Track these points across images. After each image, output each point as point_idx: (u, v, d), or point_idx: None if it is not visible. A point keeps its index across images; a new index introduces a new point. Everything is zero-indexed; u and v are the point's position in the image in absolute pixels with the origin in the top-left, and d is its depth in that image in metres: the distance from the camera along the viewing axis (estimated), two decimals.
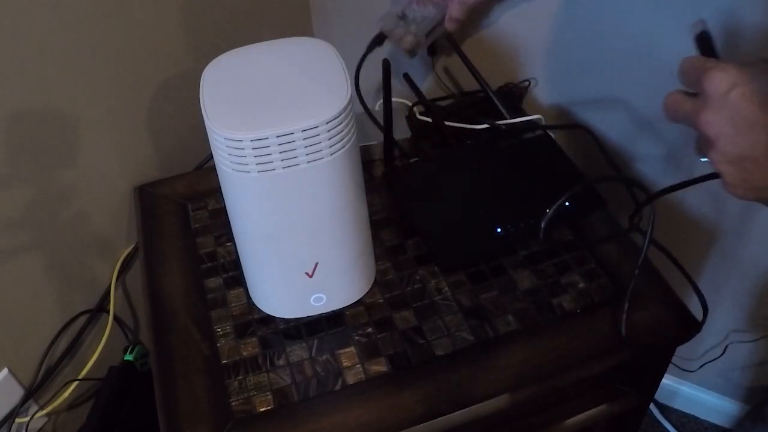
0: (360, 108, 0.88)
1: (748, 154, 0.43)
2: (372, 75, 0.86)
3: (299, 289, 0.67)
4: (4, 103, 0.75)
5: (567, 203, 0.75)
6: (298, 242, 0.62)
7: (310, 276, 0.65)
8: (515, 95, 0.94)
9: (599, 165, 0.82)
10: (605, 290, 0.72)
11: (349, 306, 0.71)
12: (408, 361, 0.67)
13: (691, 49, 0.52)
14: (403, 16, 0.85)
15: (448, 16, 0.83)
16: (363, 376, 0.66)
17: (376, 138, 0.86)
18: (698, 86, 0.46)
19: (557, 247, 0.76)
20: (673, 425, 1.28)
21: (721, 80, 0.43)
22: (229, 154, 0.55)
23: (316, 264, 0.65)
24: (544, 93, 0.96)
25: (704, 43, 0.51)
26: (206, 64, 0.61)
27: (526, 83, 0.95)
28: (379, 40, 0.89)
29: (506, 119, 0.86)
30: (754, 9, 0.71)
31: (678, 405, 1.30)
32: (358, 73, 0.88)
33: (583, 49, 0.88)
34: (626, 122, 0.93)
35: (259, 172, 0.55)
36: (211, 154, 0.58)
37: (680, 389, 1.26)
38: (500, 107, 0.87)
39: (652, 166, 0.95)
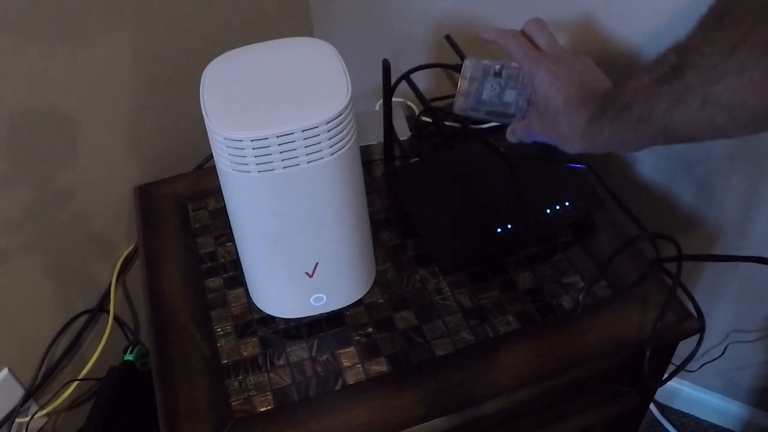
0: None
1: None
2: (372, 75, 0.86)
3: (299, 289, 0.67)
4: (4, 103, 0.75)
5: (567, 203, 0.75)
6: (298, 242, 0.62)
7: (310, 276, 0.65)
8: None
9: (600, 165, 0.82)
10: (605, 290, 0.72)
11: (349, 306, 0.71)
12: (408, 361, 0.67)
13: None
14: (494, 74, 0.66)
15: (511, 128, 0.66)
16: (363, 376, 0.66)
17: (377, 138, 0.86)
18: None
19: (557, 247, 0.76)
20: (673, 425, 1.28)
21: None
22: (229, 154, 0.55)
23: (316, 264, 0.65)
24: None
25: None
26: (206, 64, 0.61)
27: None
28: (455, 67, 0.73)
29: None
30: None
31: (678, 405, 1.30)
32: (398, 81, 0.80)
33: (585, 51, 0.88)
34: None
35: (259, 172, 0.55)
36: (211, 154, 0.58)
37: (680, 389, 1.26)
38: None
39: (651, 166, 0.95)
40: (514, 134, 0.66)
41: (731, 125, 0.44)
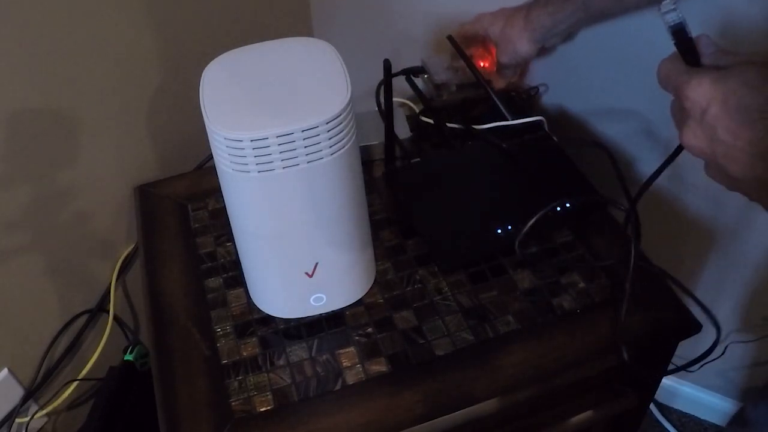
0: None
1: (728, 165, 0.45)
2: (372, 75, 0.86)
3: (299, 289, 0.67)
4: (4, 103, 0.75)
5: (567, 203, 0.75)
6: (298, 242, 0.62)
7: (310, 276, 0.65)
8: (524, 101, 0.94)
9: (601, 164, 0.81)
10: (605, 290, 0.72)
11: (349, 306, 0.71)
12: (408, 361, 0.67)
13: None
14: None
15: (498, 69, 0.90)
16: (363, 376, 0.66)
17: (377, 138, 0.86)
18: (676, 98, 0.48)
19: (557, 247, 0.76)
20: (673, 425, 1.28)
21: (695, 100, 0.45)
22: (229, 154, 0.55)
23: (316, 264, 0.65)
24: (549, 97, 0.96)
25: (679, 36, 0.47)
26: (206, 64, 0.61)
27: (535, 90, 0.95)
28: (415, 71, 0.92)
29: (508, 120, 0.86)
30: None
31: (678, 405, 1.30)
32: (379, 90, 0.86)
33: (590, 55, 0.88)
34: (630, 127, 0.93)
35: (259, 172, 0.55)
36: (211, 154, 0.58)
37: (680, 389, 1.26)
38: (501, 108, 0.87)
39: (652, 167, 0.95)
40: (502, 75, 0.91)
41: None
